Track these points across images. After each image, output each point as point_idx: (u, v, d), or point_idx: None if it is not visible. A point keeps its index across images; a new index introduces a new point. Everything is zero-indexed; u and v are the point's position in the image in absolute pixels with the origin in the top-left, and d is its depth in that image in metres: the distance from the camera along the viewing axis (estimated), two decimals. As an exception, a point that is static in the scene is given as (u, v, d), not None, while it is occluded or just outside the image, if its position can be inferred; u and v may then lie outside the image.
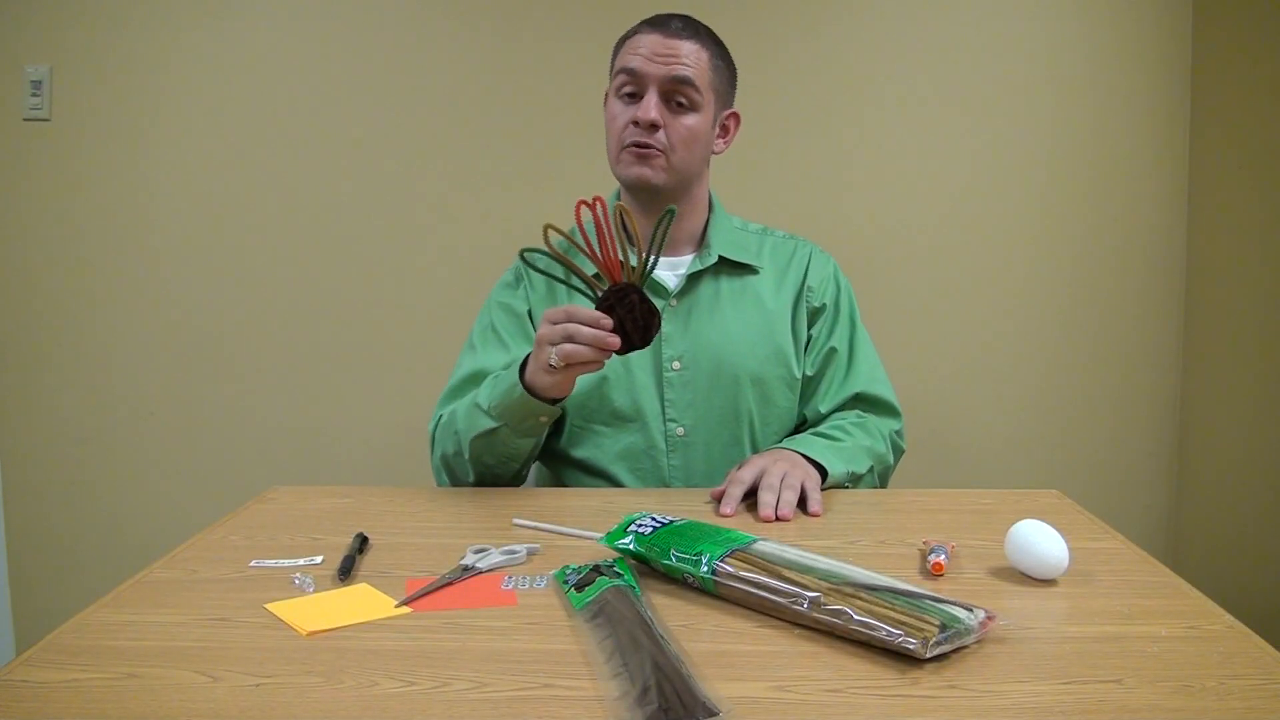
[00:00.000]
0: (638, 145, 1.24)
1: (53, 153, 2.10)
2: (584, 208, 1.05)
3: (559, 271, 1.14)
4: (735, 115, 1.34)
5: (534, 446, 1.23)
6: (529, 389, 1.12)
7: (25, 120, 2.09)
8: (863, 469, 1.23)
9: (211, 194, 2.11)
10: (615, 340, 1.04)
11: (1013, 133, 2.07)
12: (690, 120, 1.25)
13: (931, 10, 2.05)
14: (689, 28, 1.26)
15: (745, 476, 1.10)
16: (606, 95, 1.31)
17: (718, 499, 1.10)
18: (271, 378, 2.13)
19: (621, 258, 1.06)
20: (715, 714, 0.59)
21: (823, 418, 1.33)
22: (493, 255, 2.12)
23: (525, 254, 1.08)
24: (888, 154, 2.08)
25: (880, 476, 1.30)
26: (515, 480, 1.27)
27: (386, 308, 2.13)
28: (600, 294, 1.06)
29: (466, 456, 1.21)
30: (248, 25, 2.08)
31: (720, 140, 1.33)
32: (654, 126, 1.23)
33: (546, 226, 1.04)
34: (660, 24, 1.26)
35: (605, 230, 1.04)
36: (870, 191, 2.08)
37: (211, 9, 2.07)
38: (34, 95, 2.07)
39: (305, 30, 2.09)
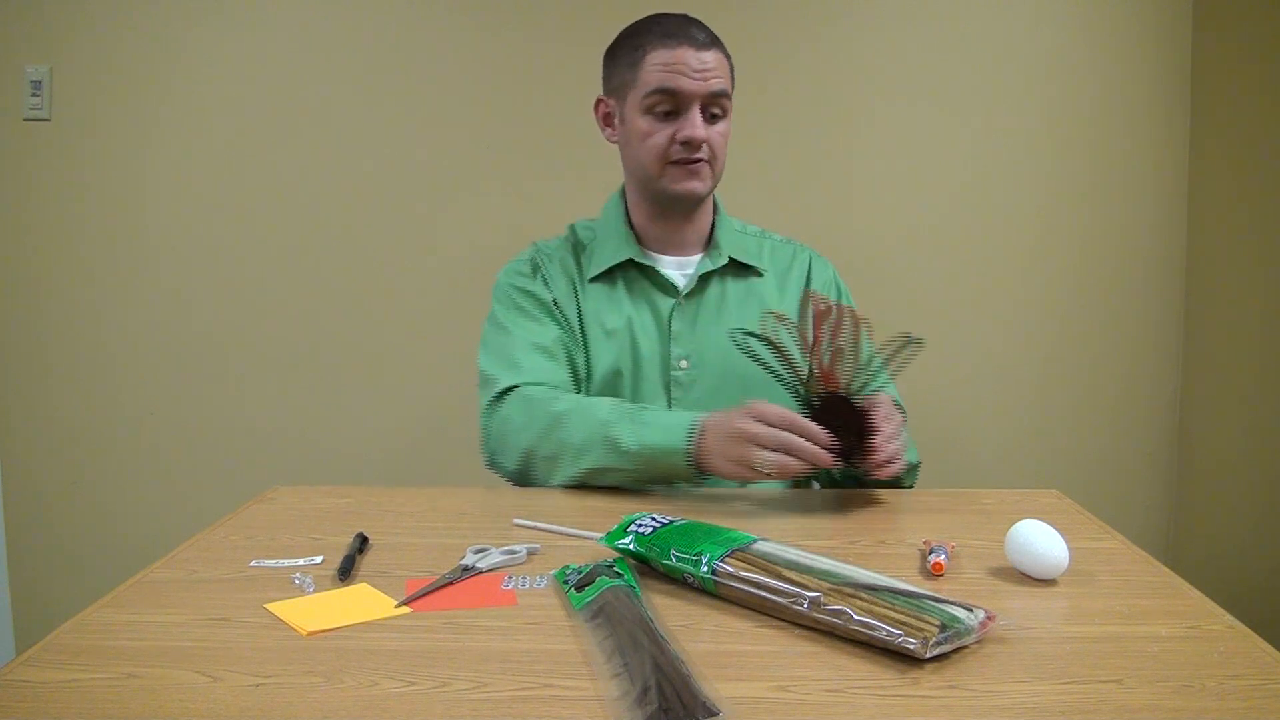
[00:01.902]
0: (687, 161, 1.26)
1: (53, 153, 2.10)
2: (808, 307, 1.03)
3: (770, 359, 1.10)
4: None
5: None
6: (696, 463, 1.09)
7: (25, 120, 2.08)
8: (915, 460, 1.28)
9: (211, 194, 2.11)
10: (829, 460, 1.01)
11: (1012, 133, 2.07)
12: (723, 127, 1.29)
13: (930, 11, 2.05)
14: (709, 35, 1.27)
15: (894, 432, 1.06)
16: (620, 109, 1.30)
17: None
18: (272, 378, 2.13)
19: (837, 366, 1.03)
20: (715, 714, 0.59)
21: None
22: (493, 256, 2.11)
23: (737, 335, 1.08)
24: (886, 154, 2.08)
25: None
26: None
27: (387, 308, 2.13)
28: (816, 398, 1.03)
29: (561, 475, 1.17)
30: (248, 25, 2.08)
31: None
32: (701, 143, 1.25)
33: (768, 312, 1.05)
34: (687, 37, 1.25)
35: (835, 334, 1.02)
36: (869, 192, 2.08)
37: (212, 9, 2.07)
38: (34, 95, 2.07)
39: (306, 30, 2.09)
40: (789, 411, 1.03)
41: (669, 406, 1.30)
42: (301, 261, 2.12)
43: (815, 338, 1.05)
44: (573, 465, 1.16)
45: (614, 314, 1.32)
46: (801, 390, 1.06)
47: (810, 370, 1.06)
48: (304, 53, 2.09)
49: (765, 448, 1.02)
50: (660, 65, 1.25)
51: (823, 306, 1.04)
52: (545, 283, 1.34)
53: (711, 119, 1.27)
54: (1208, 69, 2.01)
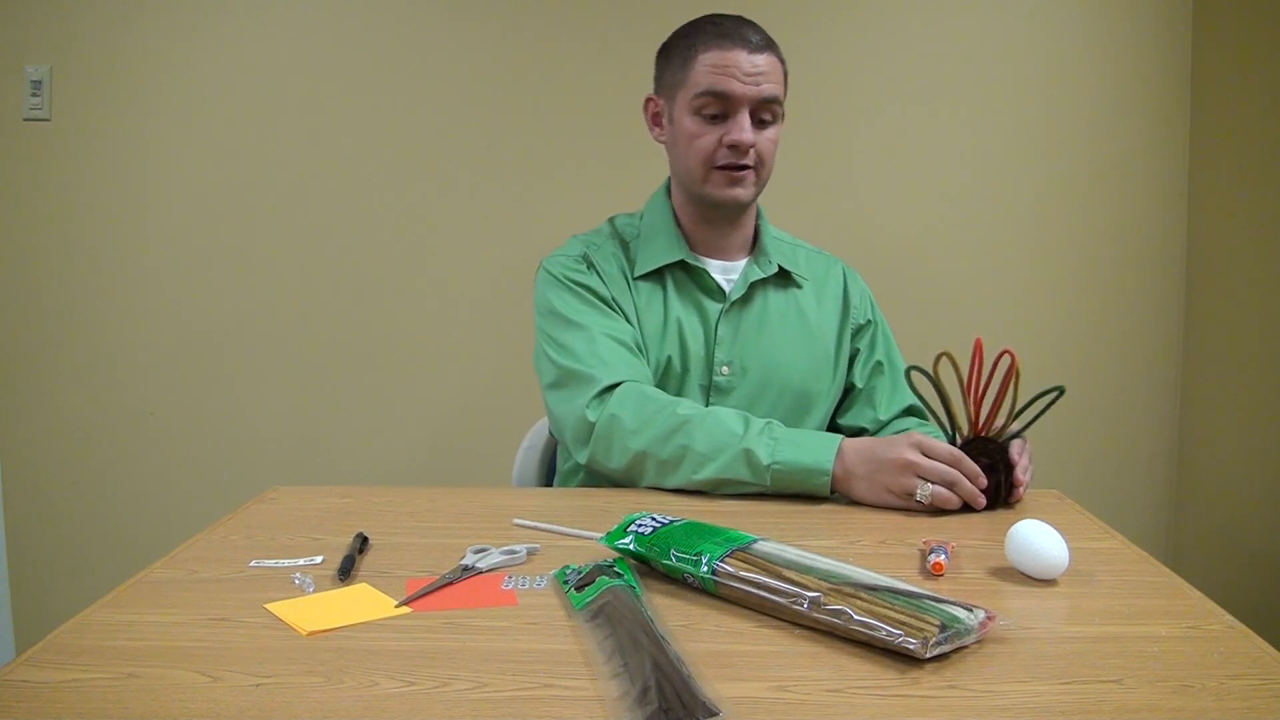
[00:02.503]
0: (733, 167, 1.24)
1: (53, 153, 2.10)
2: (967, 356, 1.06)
3: (932, 398, 1.11)
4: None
5: None
6: (840, 485, 1.09)
7: (25, 120, 2.09)
8: None
9: (211, 194, 2.11)
10: (983, 502, 1.04)
11: (1012, 133, 2.07)
12: (773, 133, 1.27)
13: (930, 12, 2.05)
14: (764, 38, 1.24)
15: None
16: (669, 109, 1.29)
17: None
18: (272, 378, 2.13)
19: (992, 410, 1.06)
20: (715, 714, 0.59)
21: (883, 425, 1.36)
22: (494, 257, 2.13)
23: (912, 370, 1.09)
24: (885, 155, 2.08)
25: None
26: None
27: (387, 309, 2.13)
28: (963, 440, 1.07)
29: (677, 481, 1.14)
30: (248, 25, 2.08)
31: None
32: (749, 148, 1.24)
33: (941, 353, 1.06)
34: (741, 39, 1.23)
35: (991, 379, 1.05)
36: (868, 193, 2.08)
37: (212, 9, 2.07)
38: (34, 95, 2.07)
39: (306, 30, 2.09)
40: (955, 449, 1.05)
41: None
42: (302, 262, 2.12)
43: (973, 379, 1.07)
44: (695, 471, 1.12)
45: (662, 313, 1.30)
46: (950, 430, 1.09)
47: (966, 411, 1.08)
48: (304, 53, 2.09)
49: (926, 479, 1.04)
50: (711, 67, 1.23)
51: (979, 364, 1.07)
52: (601, 277, 1.31)
53: (760, 124, 1.25)
54: (1208, 69, 2.01)
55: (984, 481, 1.04)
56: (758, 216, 1.38)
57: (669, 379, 1.30)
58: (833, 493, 1.10)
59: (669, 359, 1.29)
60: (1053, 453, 2.11)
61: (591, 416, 1.18)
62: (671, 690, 0.61)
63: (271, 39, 2.09)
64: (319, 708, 0.61)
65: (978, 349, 1.06)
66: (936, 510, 1.05)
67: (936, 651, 0.66)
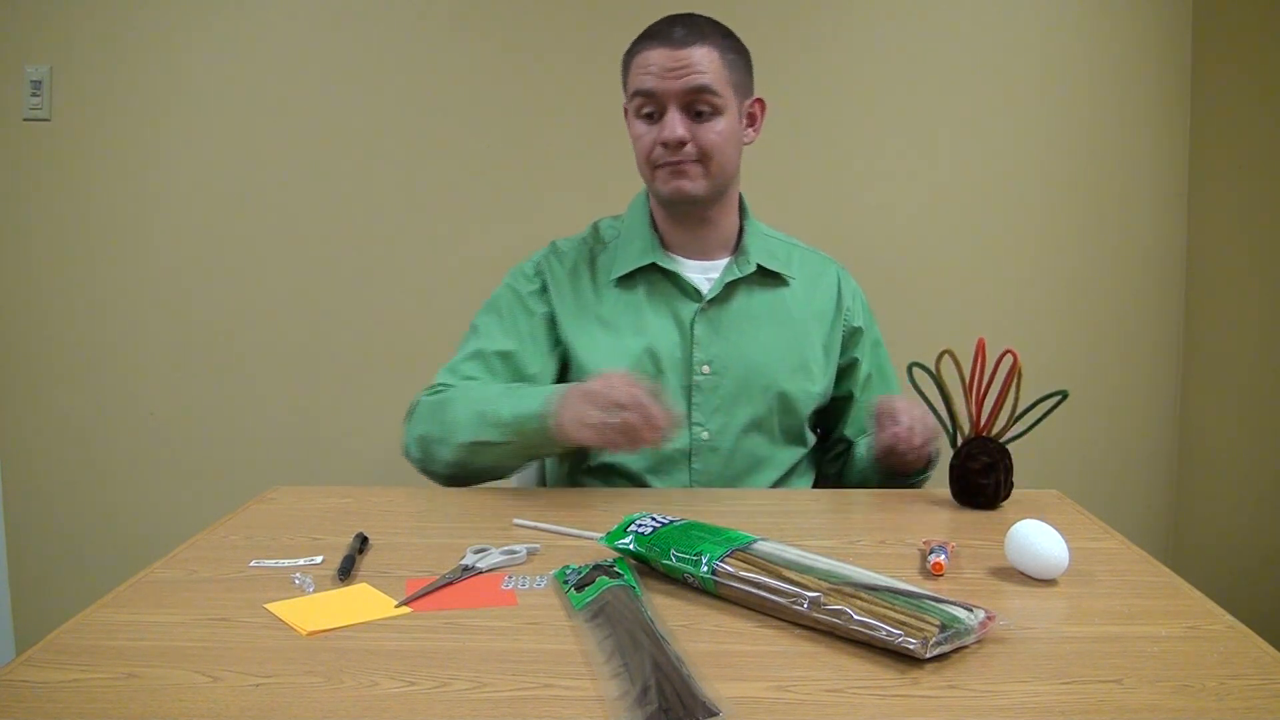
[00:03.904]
0: (670, 163, 1.24)
1: (53, 153, 2.10)
2: (946, 354, 1.07)
3: (933, 395, 1.12)
4: (760, 101, 1.32)
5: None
6: (555, 426, 1.10)
7: (25, 120, 2.09)
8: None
9: (212, 194, 2.11)
10: (663, 421, 1.04)
11: (1011, 134, 2.07)
12: (716, 125, 1.24)
13: (929, 12, 2.05)
14: (693, 31, 1.23)
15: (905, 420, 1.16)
16: (626, 111, 1.30)
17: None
18: (272, 378, 2.13)
19: (993, 411, 1.07)
20: (715, 714, 0.59)
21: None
22: (495, 257, 2.12)
23: (914, 367, 1.10)
24: (885, 155, 2.08)
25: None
26: (488, 477, 1.26)
27: (387, 308, 2.13)
28: (964, 439, 1.08)
29: (449, 454, 1.20)
30: (249, 25, 2.08)
31: (750, 130, 1.31)
32: (681, 144, 1.22)
33: (944, 351, 1.07)
34: (663, 36, 1.23)
35: (993, 379, 1.06)
36: (868, 193, 2.08)
37: (212, 9, 2.07)
38: (34, 95, 2.07)
39: (307, 30, 2.09)
40: (633, 379, 1.07)
41: (689, 411, 1.27)
42: (302, 261, 2.12)
43: (975, 378, 1.07)
44: (456, 441, 1.18)
45: (634, 318, 1.30)
46: (951, 429, 1.09)
47: (968, 410, 1.09)
48: (304, 52, 2.09)
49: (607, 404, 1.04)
50: (638, 67, 1.24)
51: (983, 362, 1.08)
52: (545, 291, 1.32)
53: (698, 116, 1.23)
54: (1208, 69, 2.01)
55: (657, 413, 1.04)
56: (741, 215, 1.36)
57: (647, 379, 1.28)
58: (562, 439, 1.10)
59: (642, 363, 1.28)
60: (1053, 453, 2.11)
61: (418, 396, 1.28)
62: (671, 690, 0.61)
63: (271, 39, 2.09)
64: (319, 708, 0.61)
65: (980, 348, 1.07)
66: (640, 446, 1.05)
67: (936, 651, 0.66)
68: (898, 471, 1.23)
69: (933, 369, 1.08)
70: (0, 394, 2.16)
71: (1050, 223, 2.08)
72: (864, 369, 1.38)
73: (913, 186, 2.08)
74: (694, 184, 1.25)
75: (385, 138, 2.10)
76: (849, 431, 1.39)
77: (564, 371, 1.32)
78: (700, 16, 1.26)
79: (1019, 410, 1.06)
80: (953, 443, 1.09)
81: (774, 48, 2.05)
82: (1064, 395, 1.05)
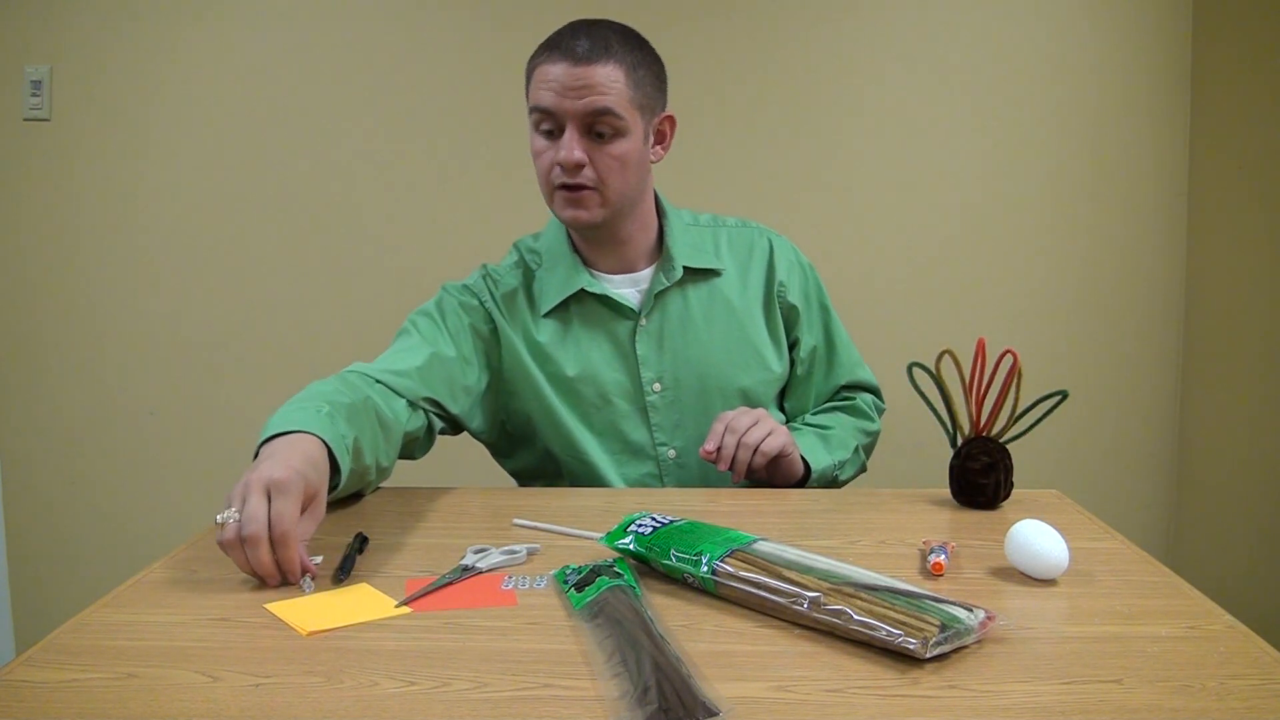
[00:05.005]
0: (567, 187, 1.16)
1: (53, 153, 2.10)
2: (949, 355, 1.07)
3: (933, 395, 1.10)
4: (670, 118, 1.24)
5: None
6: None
7: (25, 120, 2.09)
8: (849, 453, 1.29)
9: (211, 194, 2.11)
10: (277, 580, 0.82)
11: (1012, 136, 2.07)
12: (618, 148, 1.15)
13: (928, 12, 2.05)
14: (597, 47, 1.13)
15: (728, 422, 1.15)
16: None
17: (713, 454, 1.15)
18: (272, 378, 2.13)
19: (993, 411, 1.07)
20: (715, 714, 0.59)
21: (820, 412, 1.36)
22: (495, 258, 2.12)
23: (914, 367, 1.09)
24: (884, 156, 2.08)
25: (867, 449, 1.36)
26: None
27: (386, 308, 2.12)
28: (963, 439, 1.08)
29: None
30: (248, 25, 2.08)
31: (658, 148, 1.24)
32: (579, 166, 1.15)
33: (944, 351, 1.07)
34: (566, 50, 1.13)
35: (992, 379, 1.06)
36: (867, 194, 2.08)
37: (211, 9, 2.08)
38: (34, 95, 2.07)
39: (306, 30, 2.09)
40: (293, 512, 0.82)
41: (649, 431, 1.25)
42: (301, 261, 2.12)
43: (975, 378, 1.07)
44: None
45: (572, 350, 1.24)
46: (950, 429, 1.09)
47: (968, 410, 1.09)
48: (304, 52, 2.09)
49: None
50: (539, 80, 1.15)
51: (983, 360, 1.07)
52: (497, 311, 1.26)
53: (599, 138, 1.15)
54: (1208, 69, 2.01)
55: (295, 568, 0.82)
56: (660, 216, 1.29)
57: (598, 412, 1.24)
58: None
59: (586, 394, 1.23)
60: (1053, 453, 2.11)
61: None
62: (671, 690, 0.61)
63: (270, 39, 2.09)
64: (319, 708, 0.61)
65: (980, 348, 1.07)
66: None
67: (936, 651, 0.66)
68: (774, 484, 1.22)
69: (933, 369, 1.08)
70: (0, 394, 2.16)
71: (1050, 223, 2.08)
72: (806, 345, 1.33)
73: (910, 188, 2.08)
74: (590, 213, 1.18)
75: (387, 138, 2.10)
76: (790, 408, 1.35)
77: (493, 388, 1.27)
78: (610, 26, 1.18)
79: (1019, 410, 1.06)
80: (953, 443, 1.09)
81: (774, 48, 2.05)
82: (1064, 395, 1.05)
